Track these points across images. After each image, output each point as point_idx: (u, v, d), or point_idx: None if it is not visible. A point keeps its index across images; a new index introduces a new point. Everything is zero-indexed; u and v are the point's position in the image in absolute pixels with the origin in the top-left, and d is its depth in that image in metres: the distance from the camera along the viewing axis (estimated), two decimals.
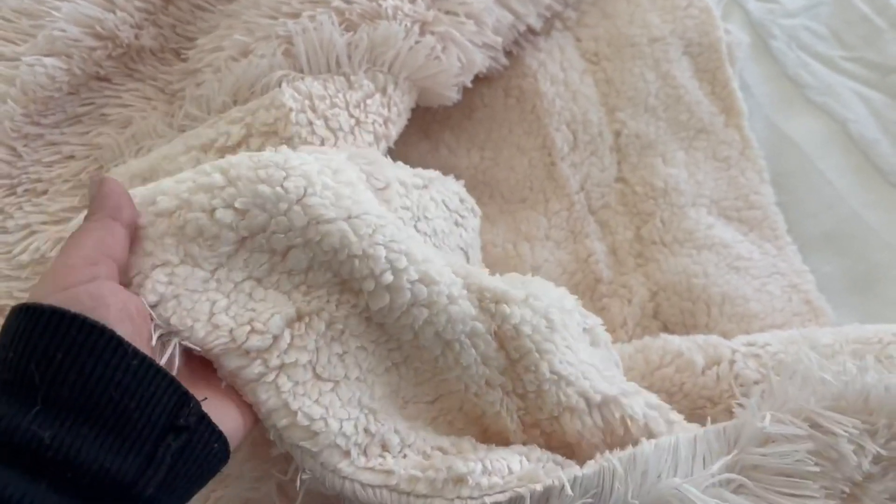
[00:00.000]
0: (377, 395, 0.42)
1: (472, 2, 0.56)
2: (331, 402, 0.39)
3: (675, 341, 0.53)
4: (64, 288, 0.32)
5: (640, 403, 0.44)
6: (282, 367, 0.39)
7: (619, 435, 0.44)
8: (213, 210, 0.38)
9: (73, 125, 0.56)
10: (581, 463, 0.41)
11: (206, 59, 0.54)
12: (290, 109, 0.48)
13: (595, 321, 0.48)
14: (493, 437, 0.45)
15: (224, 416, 0.36)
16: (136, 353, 0.31)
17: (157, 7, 0.57)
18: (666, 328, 0.58)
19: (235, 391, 0.39)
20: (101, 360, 0.30)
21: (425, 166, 0.66)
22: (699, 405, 0.50)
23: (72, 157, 0.55)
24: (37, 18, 0.53)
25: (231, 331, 0.38)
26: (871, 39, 0.69)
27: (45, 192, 0.54)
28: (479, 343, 0.42)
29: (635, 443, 0.42)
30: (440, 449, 0.42)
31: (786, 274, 0.59)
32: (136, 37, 0.56)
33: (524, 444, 0.44)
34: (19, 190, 0.54)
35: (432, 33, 0.55)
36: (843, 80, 0.68)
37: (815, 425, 0.43)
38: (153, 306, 0.37)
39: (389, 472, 0.39)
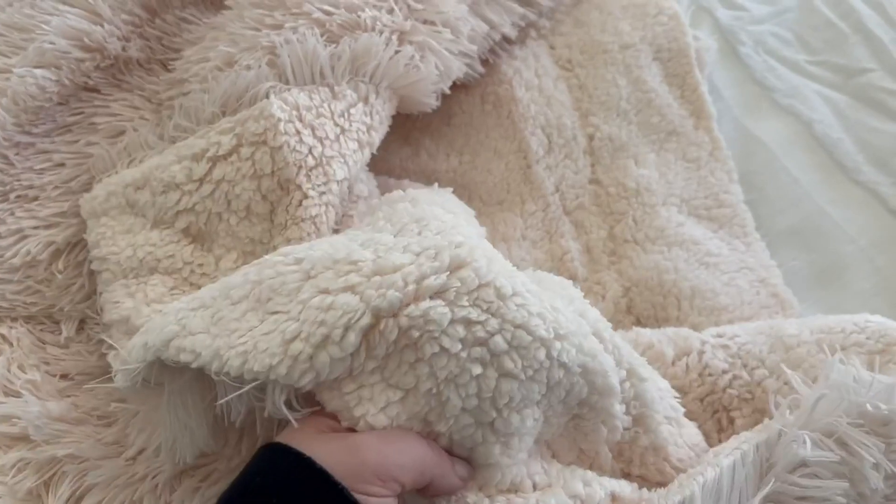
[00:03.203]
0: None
1: (447, 11, 0.58)
2: (397, 415, 0.38)
3: (647, 334, 0.54)
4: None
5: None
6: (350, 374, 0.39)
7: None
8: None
9: (63, 134, 0.57)
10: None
11: (193, 70, 0.56)
12: (279, 120, 0.50)
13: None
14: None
15: None
16: (343, 489, 0.35)
17: (144, 20, 0.59)
18: (639, 322, 0.60)
19: None
20: (316, 495, 0.35)
21: (406, 171, 0.68)
22: None
23: (62, 164, 0.57)
24: (27, 32, 0.55)
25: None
26: (835, 44, 0.72)
27: (36, 199, 0.56)
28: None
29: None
30: None
31: (754, 269, 0.61)
32: (124, 48, 0.58)
33: None
34: (11, 196, 0.55)
35: (410, 43, 0.57)
36: (809, 83, 0.71)
37: (840, 443, 0.42)
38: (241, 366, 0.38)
39: None
